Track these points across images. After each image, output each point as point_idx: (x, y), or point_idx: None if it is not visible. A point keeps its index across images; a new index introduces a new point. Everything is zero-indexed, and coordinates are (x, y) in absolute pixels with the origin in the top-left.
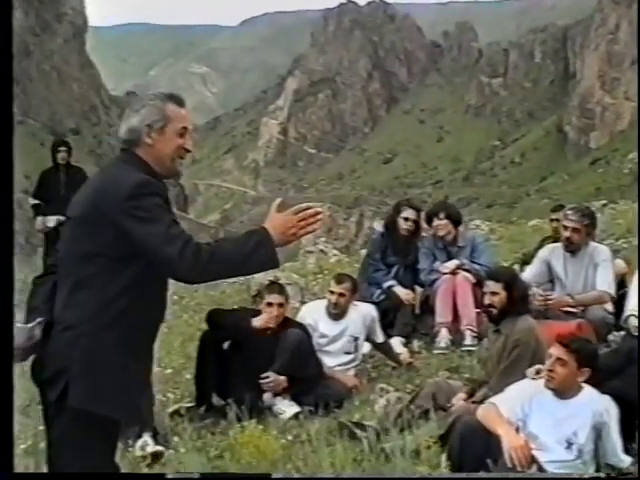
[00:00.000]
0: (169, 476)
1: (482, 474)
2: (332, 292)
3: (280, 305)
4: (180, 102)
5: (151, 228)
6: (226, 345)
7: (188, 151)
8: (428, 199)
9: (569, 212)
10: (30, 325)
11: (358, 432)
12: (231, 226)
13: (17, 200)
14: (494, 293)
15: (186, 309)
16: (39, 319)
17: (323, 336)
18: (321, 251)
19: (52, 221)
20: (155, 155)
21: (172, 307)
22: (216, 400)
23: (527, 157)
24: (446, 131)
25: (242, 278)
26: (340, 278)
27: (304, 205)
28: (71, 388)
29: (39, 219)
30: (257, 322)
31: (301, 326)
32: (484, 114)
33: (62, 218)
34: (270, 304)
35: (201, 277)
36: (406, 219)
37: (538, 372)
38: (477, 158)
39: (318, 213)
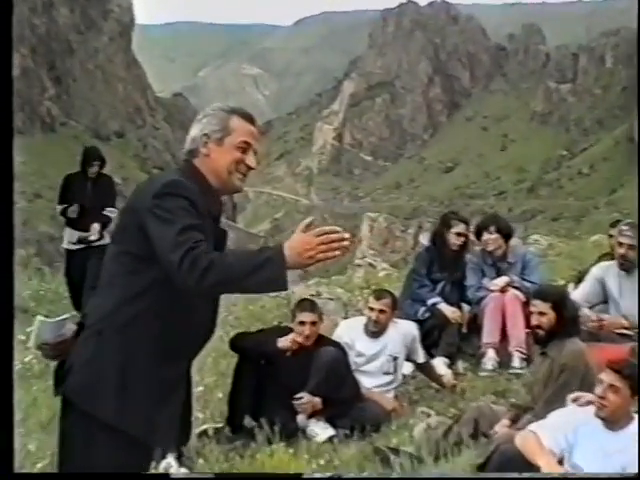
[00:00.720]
0: (174, 476)
1: (482, 474)
2: (371, 308)
3: (313, 323)
4: (248, 117)
5: (164, 230)
6: (263, 362)
7: (250, 168)
8: (490, 211)
9: (624, 228)
10: (57, 320)
11: (392, 457)
12: (282, 236)
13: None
14: (542, 313)
15: (223, 324)
16: (66, 315)
17: (360, 355)
18: (370, 265)
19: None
20: (211, 167)
21: None
22: (247, 421)
23: (596, 168)
24: (510, 139)
25: (284, 293)
26: (380, 294)
27: (329, 228)
28: (69, 381)
29: (95, 226)
30: (282, 343)
31: (337, 344)
32: (551, 122)
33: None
34: (302, 323)
35: (198, 286)
36: (458, 234)
37: (576, 399)
38: (543, 168)
39: (344, 239)
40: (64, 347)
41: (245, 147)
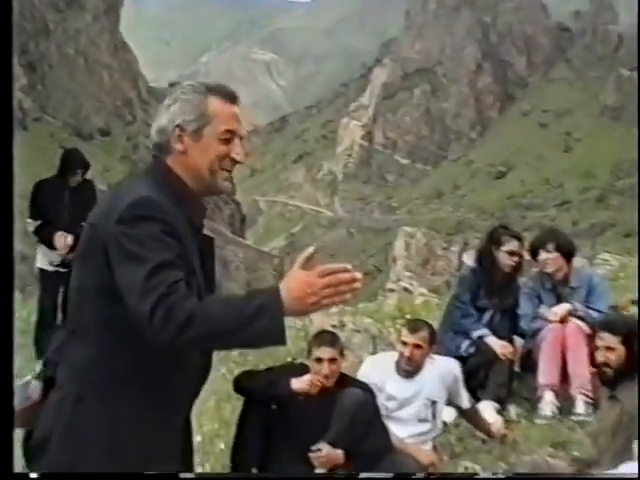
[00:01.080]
0: (182, 475)
1: (482, 474)
2: (404, 343)
3: (332, 361)
4: (228, 96)
5: (130, 270)
6: (274, 406)
7: (236, 162)
8: (551, 224)
9: None
10: (24, 381)
11: None
12: (299, 255)
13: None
14: (610, 348)
15: (225, 360)
16: (30, 375)
17: (392, 398)
18: (405, 289)
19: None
20: (189, 165)
21: None
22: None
23: None
24: (575, 139)
25: (299, 321)
26: (415, 325)
27: (337, 267)
28: (49, 455)
29: (67, 240)
30: (297, 384)
31: (363, 385)
32: (624, 117)
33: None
34: (319, 360)
35: (174, 341)
36: (510, 253)
37: None
38: (614, 173)
39: (355, 280)
40: (31, 413)
41: (229, 137)
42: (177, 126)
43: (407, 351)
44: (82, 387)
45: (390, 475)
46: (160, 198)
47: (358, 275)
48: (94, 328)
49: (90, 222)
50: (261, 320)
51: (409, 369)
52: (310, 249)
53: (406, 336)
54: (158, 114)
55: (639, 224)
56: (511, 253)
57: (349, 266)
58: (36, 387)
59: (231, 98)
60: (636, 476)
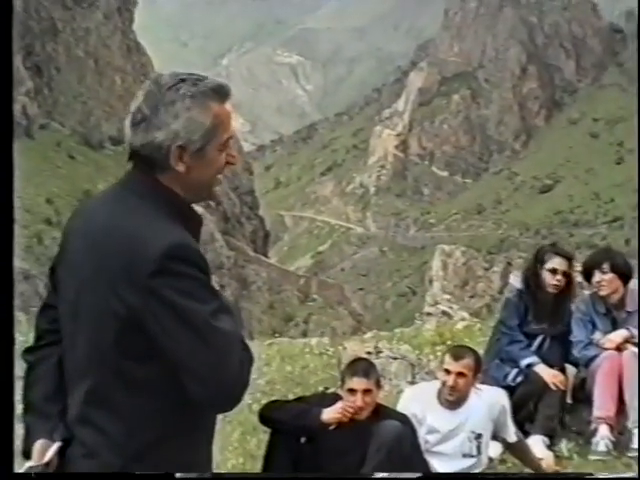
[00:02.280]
0: (178, 475)
1: (482, 474)
2: (447, 371)
3: (366, 392)
4: (225, 95)
5: (190, 325)
6: (303, 439)
7: (231, 164)
8: (602, 243)
9: None
10: (38, 445)
11: None
12: (327, 275)
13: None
14: None
15: (251, 389)
16: (54, 446)
17: (433, 431)
18: (444, 313)
19: None
20: (188, 183)
21: None
22: None
23: None
24: (628, 149)
25: (331, 347)
26: (458, 352)
27: None
28: None
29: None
30: (327, 415)
31: (402, 417)
32: None
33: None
34: (352, 391)
35: (236, 403)
36: (553, 271)
37: None
38: None
39: None
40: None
41: (229, 143)
42: (179, 147)
43: (450, 380)
44: (126, 460)
45: (391, 476)
46: (188, 238)
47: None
48: (119, 397)
49: (86, 277)
50: None
51: (452, 399)
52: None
53: (449, 364)
54: (146, 117)
55: (639, 234)
56: (553, 271)
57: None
58: (46, 447)
59: (227, 96)
60: (636, 476)
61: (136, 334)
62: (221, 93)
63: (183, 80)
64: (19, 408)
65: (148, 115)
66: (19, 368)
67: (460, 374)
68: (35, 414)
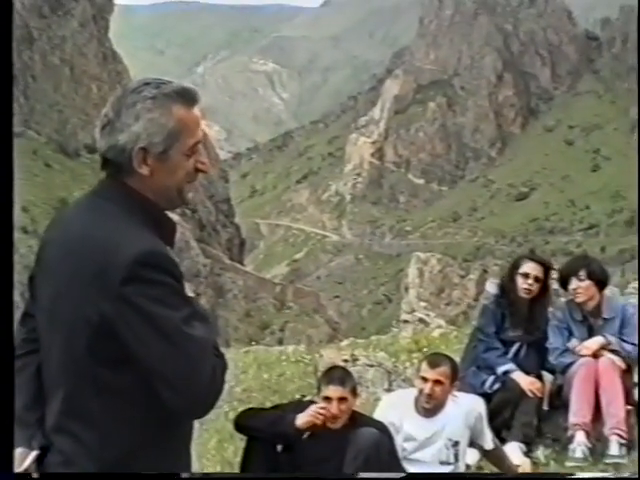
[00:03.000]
0: (184, 475)
1: (482, 474)
2: (424, 379)
3: (342, 400)
4: (192, 99)
5: (161, 332)
6: (280, 447)
7: (202, 171)
8: (577, 250)
9: None
10: (17, 453)
11: None
12: (304, 282)
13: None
14: None
15: (228, 397)
16: (32, 454)
17: (410, 439)
18: (420, 320)
19: None
20: (154, 186)
21: None
22: None
23: None
24: (604, 157)
25: (308, 355)
26: (435, 360)
27: None
28: None
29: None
30: (300, 420)
31: (379, 425)
32: None
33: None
34: (328, 398)
35: (208, 410)
36: (525, 275)
37: None
38: None
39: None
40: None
41: (196, 149)
42: (142, 149)
43: (427, 388)
44: (102, 467)
45: (390, 476)
46: (159, 245)
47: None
48: (96, 404)
49: (59, 284)
50: None
51: (429, 407)
52: None
53: (425, 371)
54: (111, 120)
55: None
56: (525, 275)
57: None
58: (25, 455)
59: (194, 101)
60: (636, 476)
61: (109, 341)
62: (186, 97)
63: (147, 84)
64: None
65: (112, 118)
66: None
67: (437, 382)
68: (14, 422)
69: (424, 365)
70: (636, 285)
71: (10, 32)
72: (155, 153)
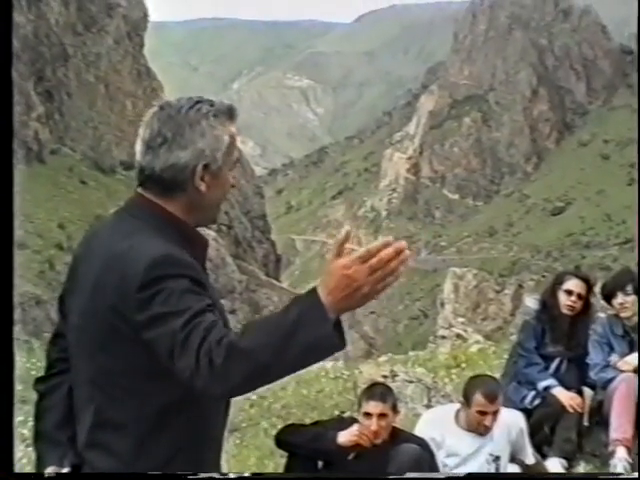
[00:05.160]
0: (200, 475)
1: (481, 474)
2: (483, 413)
3: (382, 416)
4: (235, 115)
5: (164, 330)
6: (320, 464)
7: (234, 186)
8: (614, 264)
9: None
10: (49, 470)
11: None
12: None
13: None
14: None
15: (267, 413)
16: (63, 471)
17: (452, 455)
18: (458, 336)
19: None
20: (201, 203)
21: (248, 411)
22: None
23: None
24: None
25: (346, 371)
26: (493, 392)
27: (377, 245)
28: None
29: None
30: (343, 438)
31: (420, 440)
32: None
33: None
34: (368, 414)
35: (228, 391)
36: (569, 292)
37: None
38: None
39: (400, 251)
40: None
41: (237, 163)
42: (205, 166)
43: (488, 420)
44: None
45: (392, 476)
46: (175, 250)
47: (403, 244)
48: (131, 414)
49: (87, 299)
50: (305, 331)
51: (484, 433)
52: (343, 231)
53: (484, 405)
54: (168, 143)
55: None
56: (569, 292)
57: (390, 238)
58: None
59: (236, 117)
60: (636, 476)
61: (138, 350)
62: (233, 114)
63: (199, 102)
64: (18, 409)
65: (170, 137)
66: (19, 368)
67: (495, 412)
68: (46, 442)
69: (481, 398)
70: None
71: (10, 35)
72: (213, 169)
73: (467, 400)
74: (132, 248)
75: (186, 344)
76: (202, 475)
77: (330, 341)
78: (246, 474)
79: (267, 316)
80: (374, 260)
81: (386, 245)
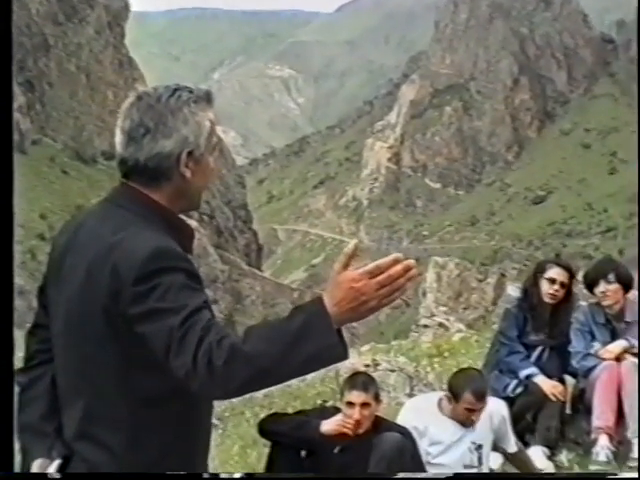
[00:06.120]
0: (206, 475)
1: (481, 474)
2: (470, 410)
3: (365, 405)
4: (212, 101)
5: (161, 326)
6: (304, 453)
7: (214, 171)
8: (595, 253)
9: None
10: (37, 464)
11: None
12: (321, 288)
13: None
14: None
15: (250, 404)
16: (54, 463)
17: (435, 443)
18: (440, 325)
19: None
20: (186, 191)
21: (231, 401)
22: None
23: None
24: (621, 159)
25: None
26: (481, 391)
27: (387, 261)
28: None
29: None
30: (326, 426)
31: (402, 429)
32: None
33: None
34: (350, 404)
35: (223, 390)
36: (551, 280)
37: None
38: None
39: (408, 269)
40: None
41: (217, 147)
42: (190, 153)
43: (474, 416)
44: (128, 469)
45: (392, 476)
46: (169, 242)
47: (412, 262)
48: (122, 409)
49: (78, 286)
50: (310, 340)
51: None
52: (351, 244)
53: (472, 404)
54: (152, 132)
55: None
56: (552, 281)
57: (399, 255)
58: (45, 465)
59: (213, 103)
60: (636, 476)
61: (133, 344)
62: (211, 99)
63: (177, 89)
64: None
65: (152, 127)
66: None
67: (482, 408)
68: (31, 433)
69: (470, 397)
70: None
71: (10, 35)
72: (197, 155)
73: (455, 396)
74: (126, 240)
75: (183, 343)
76: (205, 475)
77: (334, 351)
78: (236, 475)
79: (270, 321)
80: (383, 276)
81: (395, 262)
